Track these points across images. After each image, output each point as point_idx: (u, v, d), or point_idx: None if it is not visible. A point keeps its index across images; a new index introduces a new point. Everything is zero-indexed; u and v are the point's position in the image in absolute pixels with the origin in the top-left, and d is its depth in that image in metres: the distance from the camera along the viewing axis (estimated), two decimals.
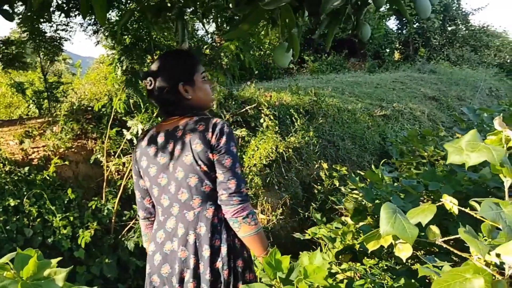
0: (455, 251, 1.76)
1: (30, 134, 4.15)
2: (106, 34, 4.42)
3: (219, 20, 2.98)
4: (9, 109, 9.18)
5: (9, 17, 1.92)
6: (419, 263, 1.90)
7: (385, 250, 2.75)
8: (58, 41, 6.81)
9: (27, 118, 5.20)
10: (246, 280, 1.45)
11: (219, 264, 1.41)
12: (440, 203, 1.91)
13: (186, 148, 1.44)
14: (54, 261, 1.04)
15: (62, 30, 6.50)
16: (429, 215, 1.83)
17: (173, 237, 1.48)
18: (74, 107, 4.24)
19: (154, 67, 1.60)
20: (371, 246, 1.80)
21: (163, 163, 1.51)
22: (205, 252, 1.41)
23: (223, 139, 1.41)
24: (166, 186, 1.50)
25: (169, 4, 2.76)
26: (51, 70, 10.25)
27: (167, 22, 2.62)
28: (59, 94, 7.30)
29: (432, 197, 3.15)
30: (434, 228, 1.77)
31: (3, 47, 7.09)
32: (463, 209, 1.84)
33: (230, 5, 2.02)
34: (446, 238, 1.76)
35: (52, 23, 6.07)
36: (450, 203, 1.89)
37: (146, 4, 2.68)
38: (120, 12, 3.67)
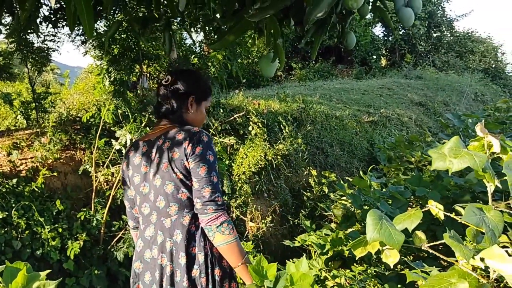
0: (441, 256, 1.79)
1: (18, 145, 4.12)
2: (95, 44, 4.43)
3: (207, 30, 3.01)
4: None
5: None
6: (408, 268, 1.93)
7: (375, 256, 2.78)
8: (46, 51, 6.79)
9: (15, 129, 5.16)
10: None
11: (196, 272, 1.42)
12: (426, 209, 1.95)
13: (163, 156, 1.48)
14: (43, 274, 1.05)
15: (50, 40, 6.49)
16: (415, 221, 1.87)
17: (153, 244, 1.51)
18: (63, 118, 4.21)
19: (181, 71, 1.74)
20: (359, 253, 1.82)
21: (145, 172, 1.55)
22: (181, 259, 1.43)
23: (199, 148, 1.44)
24: (147, 194, 1.54)
25: (156, 15, 2.78)
26: (39, 80, 10.19)
27: (154, 32, 2.64)
28: (47, 105, 7.25)
29: (420, 202, 3.19)
30: (420, 234, 1.81)
31: None
32: (448, 214, 1.88)
33: (217, 15, 2.05)
34: (432, 244, 1.79)
35: (40, 34, 6.06)
36: (436, 208, 1.93)
37: (133, 15, 2.70)
38: (107, 23, 3.69)
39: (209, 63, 3.56)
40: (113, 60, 3.53)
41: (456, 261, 1.67)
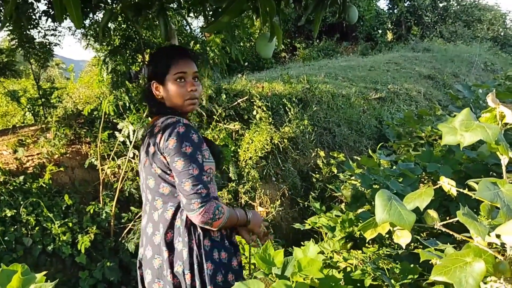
0: (455, 234, 1.73)
1: (24, 142, 4.11)
2: (93, 36, 4.37)
3: (207, 14, 2.93)
4: (5, 117, 9.13)
5: None
6: (422, 246, 1.87)
7: (387, 236, 2.73)
8: (48, 46, 6.75)
9: (20, 126, 5.15)
10: (218, 283, 1.39)
11: (179, 268, 1.37)
12: (437, 186, 1.88)
13: (145, 151, 1.48)
14: (39, 276, 1.01)
15: (51, 35, 6.46)
16: (426, 199, 1.80)
17: (143, 235, 1.51)
18: (67, 112, 4.19)
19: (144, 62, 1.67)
20: (369, 235, 1.77)
21: (140, 162, 1.56)
22: (164, 253, 1.39)
23: (172, 141, 1.37)
24: (142, 185, 1.56)
25: (149, 1, 2.70)
26: (45, 76, 10.16)
27: (148, 20, 2.57)
28: (54, 100, 7.24)
29: (432, 178, 3.12)
30: (432, 213, 1.74)
31: None
32: (461, 190, 1.81)
33: None
34: (445, 222, 1.73)
35: (40, 28, 6.03)
36: (448, 185, 1.86)
37: (126, 3, 2.63)
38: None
39: (207, 48, 3.49)
40: (111, 51, 3.46)
41: (471, 238, 1.60)
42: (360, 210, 2.83)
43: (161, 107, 1.55)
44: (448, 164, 2.86)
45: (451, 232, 1.75)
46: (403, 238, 1.75)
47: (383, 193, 1.64)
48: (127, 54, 5.37)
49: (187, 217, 1.37)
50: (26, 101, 7.49)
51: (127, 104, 3.21)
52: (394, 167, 4.51)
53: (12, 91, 9.01)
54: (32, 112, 7.06)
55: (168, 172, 1.40)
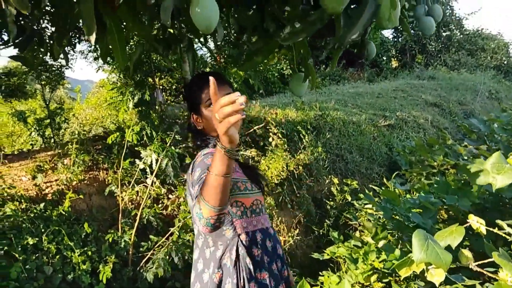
0: (488, 274, 1.75)
1: (42, 168, 4.16)
2: (117, 68, 4.45)
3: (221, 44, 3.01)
4: (11, 138, 9.20)
5: None
6: (447, 281, 1.88)
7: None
8: (59, 69, 6.87)
9: (36, 150, 5.21)
10: None
11: None
12: (467, 224, 1.91)
13: (188, 188, 1.48)
14: None
15: (62, 58, 6.56)
16: (458, 237, 1.84)
17: (193, 270, 1.54)
18: (83, 137, 4.25)
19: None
20: (404, 273, 1.79)
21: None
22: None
23: (195, 172, 1.37)
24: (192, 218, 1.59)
25: (178, 36, 2.79)
26: (52, 96, 10.28)
27: (176, 54, 2.65)
28: (61, 121, 7.30)
29: (450, 211, 3.14)
30: (466, 252, 1.77)
31: (5, 79, 7.16)
32: (491, 229, 1.84)
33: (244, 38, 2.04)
34: (480, 262, 1.75)
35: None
36: (477, 223, 1.89)
37: (156, 37, 2.71)
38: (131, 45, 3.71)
39: (231, 80, 3.57)
40: (137, 83, 3.54)
41: (497, 275, 1.63)
42: (382, 242, 2.84)
43: (203, 139, 1.56)
44: (466, 196, 2.88)
45: (483, 271, 1.77)
46: (437, 276, 1.78)
47: (419, 233, 1.67)
48: (138, 78, 5.46)
49: (236, 255, 1.38)
50: (33, 121, 7.57)
51: (150, 133, 3.27)
52: (408, 195, 4.54)
53: (19, 111, 9.12)
54: (38, 133, 7.14)
55: None
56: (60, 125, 7.25)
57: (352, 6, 1.65)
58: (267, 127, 5.19)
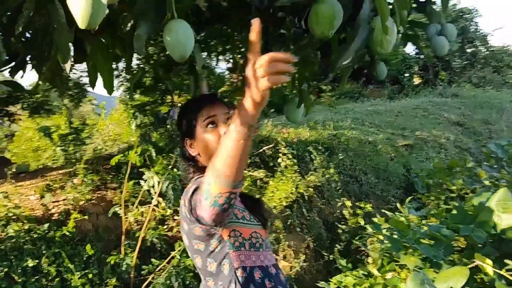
0: None
1: (51, 187, 4.17)
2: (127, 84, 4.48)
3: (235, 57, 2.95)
4: (36, 152, 9.38)
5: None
6: None
7: None
8: (82, 86, 6.98)
9: (49, 168, 5.27)
10: None
11: None
12: (473, 265, 1.76)
13: (181, 226, 1.37)
14: None
15: (86, 76, 6.69)
16: (462, 279, 1.69)
17: None
18: (95, 155, 4.26)
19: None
20: None
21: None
22: None
23: (188, 191, 1.23)
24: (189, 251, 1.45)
25: None
26: (77, 112, 10.45)
27: (178, 76, 2.62)
28: (84, 135, 7.35)
29: (467, 241, 2.95)
30: None
31: (29, 96, 7.31)
32: (499, 271, 1.69)
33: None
34: None
35: (75, 69, 6.26)
36: (485, 265, 1.74)
37: (157, 60, 2.69)
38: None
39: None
40: (139, 106, 3.54)
41: None
42: (389, 275, 2.70)
43: (200, 169, 1.38)
44: (482, 226, 2.71)
45: None
46: None
47: (416, 278, 1.54)
48: (157, 95, 5.46)
49: None
50: (57, 137, 7.69)
51: (153, 155, 3.23)
52: (424, 221, 4.34)
53: (45, 127, 9.30)
54: (62, 148, 7.24)
55: (208, 244, 1.26)
56: (83, 141, 7.34)
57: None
58: (277, 147, 5.10)
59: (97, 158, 4.45)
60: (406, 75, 16.14)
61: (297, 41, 1.64)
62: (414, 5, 2.18)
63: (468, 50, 16.29)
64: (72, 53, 1.64)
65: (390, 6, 1.38)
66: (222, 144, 0.97)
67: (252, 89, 0.86)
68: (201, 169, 1.36)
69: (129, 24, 1.17)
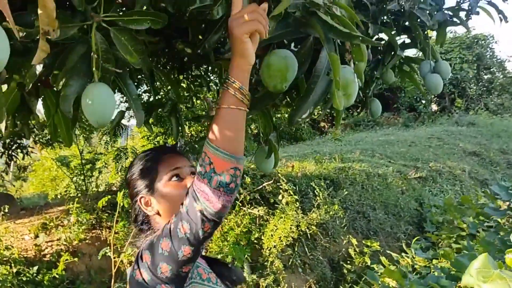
0: None
1: (47, 226, 4.12)
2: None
3: None
4: (54, 182, 9.46)
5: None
6: None
7: None
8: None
9: (50, 204, 5.24)
10: None
11: None
12: None
13: None
14: None
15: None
16: None
17: None
18: (91, 194, 4.21)
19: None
20: None
21: None
22: None
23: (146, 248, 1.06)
24: None
25: (162, 101, 2.71)
26: (95, 140, 10.51)
27: (159, 120, 2.57)
28: (100, 165, 7.31)
29: None
30: None
31: (40, 130, 7.39)
32: None
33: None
34: None
35: None
36: None
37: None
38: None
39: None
40: (120, 150, 3.48)
41: None
42: None
43: (155, 225, 1.21)
44: None
45: None
46: None
47: None
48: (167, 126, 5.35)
49: None
50: (74, 166, 7.72)
51: None
52: (435, 261, 4.12)
53: (63, 156, 9.39)
54: (78, 177, 7.24)
55: None
56: (92, 174, 7.35)
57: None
58: (278, 183, 4.97)
59: (92, 197, 4.39)
60: (423, 102, 15.89)
61: (254, 93, 1.55)
62: (408, 41, 2.09)
63: (485, 77, 15.99)
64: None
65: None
66: (216, 116, 0.96)
67: (235, 36, 0.94)
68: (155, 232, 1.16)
69: (61, 83, 1.09)
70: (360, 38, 1.10)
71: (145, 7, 1.16)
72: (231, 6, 0.97)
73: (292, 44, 1.52)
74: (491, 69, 16.17)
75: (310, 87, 1.27)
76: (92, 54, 1.01)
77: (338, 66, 1.10)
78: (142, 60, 1.10)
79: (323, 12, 1.11)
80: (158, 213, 1.20)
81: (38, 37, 0.93)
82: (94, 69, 1.01)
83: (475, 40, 15.53)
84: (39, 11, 0.89)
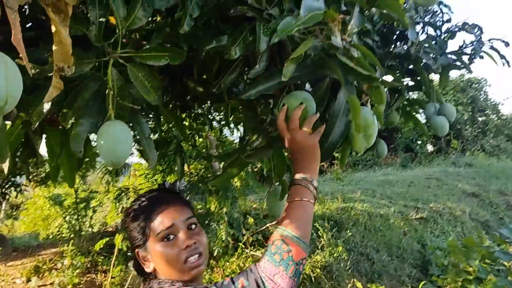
0: None
1: (39, 269, 3.95)
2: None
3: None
4: (46, 221, 9.21)
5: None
6: None
7: None
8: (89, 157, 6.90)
9: (43, 245, 5.08)
10: None
11: None
12: None
13: None
14: None
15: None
16: None
17: None
18: (82, 234, 4.07)
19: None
20: None
21: None
22: None
23: None
24: None
25: (168, 140, 2.67)
26: (92, 178, 10.31)
27: (164, 157, 2.52)
28: (95, 204, 7.08)
29: None
30: None
31: (35, 168, 7.28)
32: None
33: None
34: None
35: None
36: None
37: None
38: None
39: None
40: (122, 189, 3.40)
41: None
42: None
43: (159, 282, 1.10)
44: None
45: None
46: None
47: None
48: (164, 162, 5.26)
49: None
50: (68, 205, 7.50)
51: None
52: None
53: (56, 195, 9.18)
54: (67, 221, 7.03)
55: None
56: (86, 213, 7.15)
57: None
58: None
59: (90, 235, 4.26)
60: (419, 142, 15.98)
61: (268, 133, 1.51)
62: (411, 83, 2.08)
63: (480, 119, 16.19)
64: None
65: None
66: (296, 207, 1.04)
67: (312, 145, 1.14)
68: (163, 283, 1.09)
69: (70, 121, 1.04)
70: (380, 80, 1.08)
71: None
72: (290, 118, 1.15)
73: (307, 84, 1.50)
74: (486, 112, 16.41)
75: (328, 128, 1.23)
76: (107, 91, 0.97)
77: (358, 109, 1.06)
78: (158, 97, 1.06)
79: (342, 54, 1.08)
80: (155, 269, 1.12)
81: (51, 74, 0.89)
82: (110, 106, 0.96)
83: (469, 84, 15.85)
84: (54, 47, 0.85)
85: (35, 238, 9.42)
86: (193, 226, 1.14)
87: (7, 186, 6.60)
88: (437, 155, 15.17)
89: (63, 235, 6.40)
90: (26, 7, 1.04)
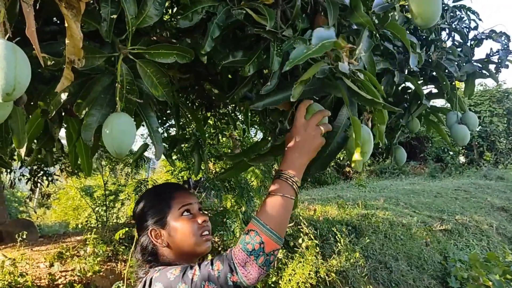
0: None
1: (63, 255, 4.12)
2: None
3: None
4: (76, 211, 9.54)
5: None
6: None
7: None
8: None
9: (69, 234, 5.27)
10: None
11: None
12: None
13: None
14: None
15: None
16: None
17: None
18: (107, 225, 4.21)
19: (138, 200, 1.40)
20: None
21: None
22: None
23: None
24: None
25: (186, 136, 2.75)
26: (123, 172, 10.59)
27: (181, 153, 2.60)
28: (123, 197, 7.31)
29: None
30: None
31: (64, 159, 7.54)
32: None
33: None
34: None
35: None
36: None
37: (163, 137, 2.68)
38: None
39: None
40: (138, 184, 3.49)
41: None
42: None
43: (165, 263, 1.22)
44: None
45: None
46: None
47: None
48: (193, 163, 5.40)
49: None
50: (97, 196, 7.75)
51: None
52: None
53: (87, 186, 9.49)
54: (96, 212, 7.28)
55: None
56: (114, 205, 7.37)
57: None
58: (299, 226, 4.87)
59: (113, 226, 4.40)
60: (451, 153, 15.56)
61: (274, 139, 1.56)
62: (435, 91, 2.07)
63: None
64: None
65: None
66: (271, 201, 1.09)
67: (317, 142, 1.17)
68: (162, 264, 1.22)
69: (84, 112, 1.12)
70: (383, 105, 1.12)
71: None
72: (296, 114, 1.21)
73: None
74: None
75: (327, 141, 1.27)
76: (116, 84, 1.04)
77: (360, 130, 1.11)
78: (166, 93, 1.13)
79: (348, 77, 1.13)
80: (168, 246, 1.25)
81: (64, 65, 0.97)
82: (117, 99, 1.03)
83: (506, 94, 15.33)
84: (67, 41, 0.92)
85: (64, 227, 9.76)
86: (203, 211, 1.35)
87: (39, 175, 6.88)
88: (468, 167, 14.74)
89: (91, 225, 6.62)
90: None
